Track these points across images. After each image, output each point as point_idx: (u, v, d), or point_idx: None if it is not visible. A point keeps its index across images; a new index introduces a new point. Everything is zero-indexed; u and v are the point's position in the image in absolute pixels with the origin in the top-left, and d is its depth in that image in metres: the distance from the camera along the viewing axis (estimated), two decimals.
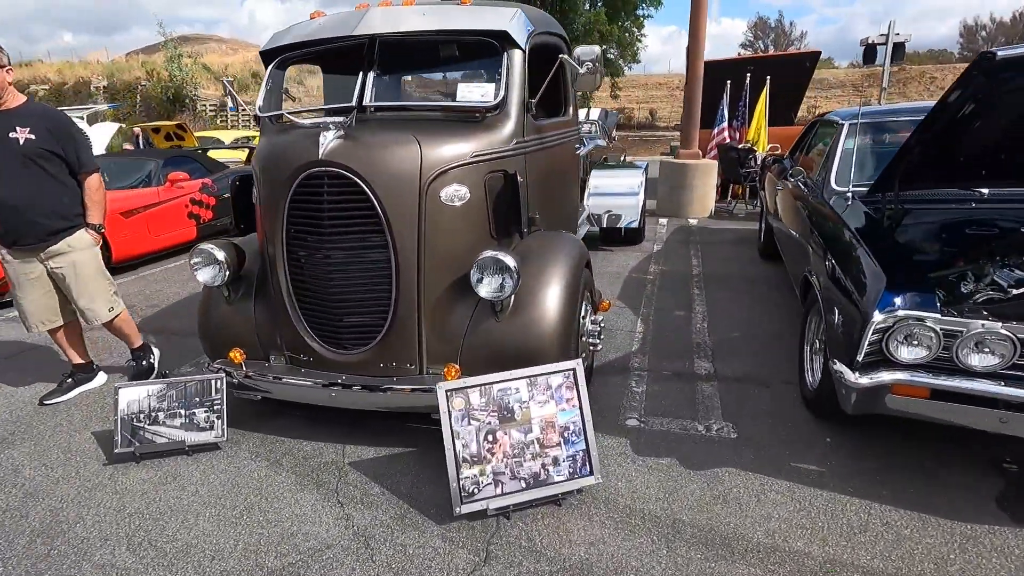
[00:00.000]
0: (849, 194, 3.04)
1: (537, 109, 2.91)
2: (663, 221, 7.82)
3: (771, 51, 42.85)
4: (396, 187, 2.36)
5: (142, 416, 2.60)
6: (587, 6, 25.22)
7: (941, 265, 2.33)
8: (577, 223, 3.75)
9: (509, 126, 2.66)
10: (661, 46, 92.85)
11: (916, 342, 1.97)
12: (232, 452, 2.65)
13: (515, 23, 2.68)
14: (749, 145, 8.10)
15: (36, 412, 3.00)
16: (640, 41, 27.55)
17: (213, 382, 2.70)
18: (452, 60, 2.89)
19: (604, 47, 26.46)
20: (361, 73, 2.72)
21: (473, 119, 2.68)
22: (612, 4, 24.91)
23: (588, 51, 2.67)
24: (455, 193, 2.44)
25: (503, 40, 2.68)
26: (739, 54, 37.96)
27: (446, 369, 2.41)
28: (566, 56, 2.64)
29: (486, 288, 2.38)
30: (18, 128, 2.58)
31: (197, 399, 2.67)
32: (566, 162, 3.35)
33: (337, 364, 2.59)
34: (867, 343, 2.00)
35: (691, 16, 7.63)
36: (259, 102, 2.87)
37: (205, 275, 2.70)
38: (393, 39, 2.75)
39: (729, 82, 8.79)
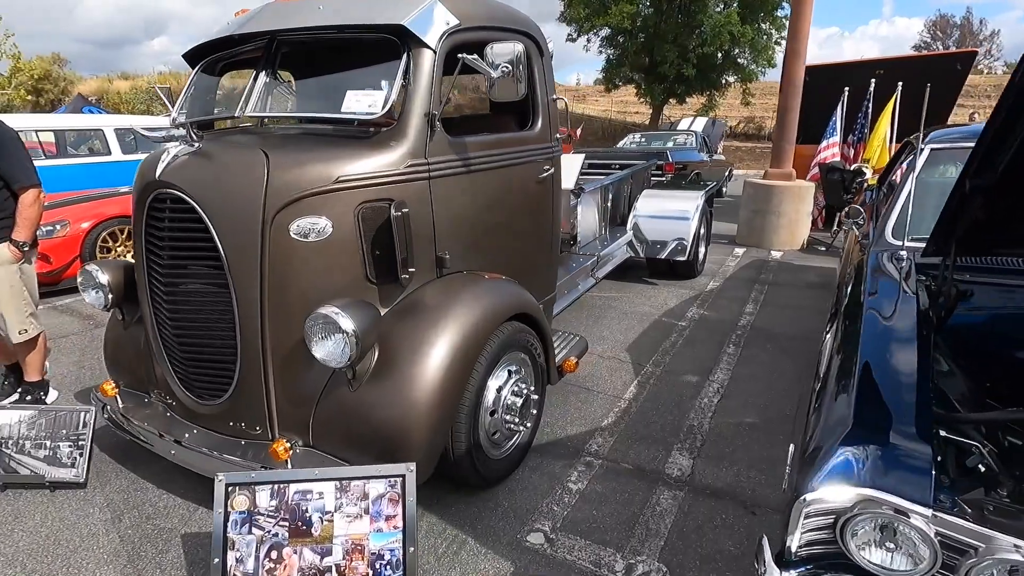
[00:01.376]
0: (903, 253, 2.07)
1: (470, 122, 2.34)
2: (738, 251, 6.69)
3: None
4: (234, 216, 1.94)
5: (10, 443, 2.45)
6: (720, 7, 23.27)
7: (975, 405, 1.40)
8: (548, 263, 3.08)
9: (403, 144, 2.12)
10: (818, 50, 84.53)
11: (892, 544, 1.13)
12: (89, 496, 2.40)
13: (419, 16, 2.13)
14: (858, 166, 6.65)
15: None
16: (779, 44, 24.97)
17: (82, 415, 2.48)
18: (354, 62, 2.42)
19: (736, 51, 24.43)
20: (252, 78, 2.34)
21: (363, 134, 2.19)
22: (748, 3, 22.78)
23: (504, 50, 2.04)
24: (311, 227, 1.96)
25: (403, 37, 2.15)
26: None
27: (274, 444, 1.94)
28: (472, 57, 2.05)
29: (320, 352, 1.87)
30: None
31: (64, 431, 2.46)
32: (520, 188, 2.72)
33: (193, 414, 2.24)
34: (799, 529, 1.19)
35: (792, 10, 6.41)
36: (173, 111, 2.61)
37: (89, 297, 2.49)
38: (289, 37, 2.34)
39: (847, 89, 7.34)
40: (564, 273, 3.98)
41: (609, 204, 5.22)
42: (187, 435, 2.21)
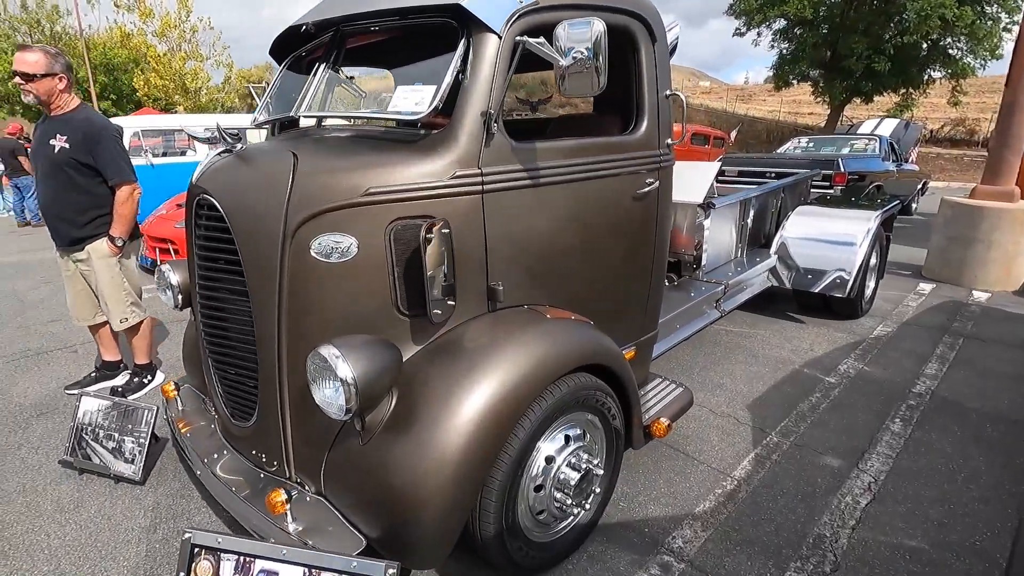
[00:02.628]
0: None
1: (560, 125, 1.90)
2: (924, 288, 5.32)
3: None
4: (255, 228, 1.72)
5: (89, 429, 2.54)
6: None
7: None
8: (646, 296, 2.49)
9: (451, 150, 1.74)
10: None
11: None
12: (142, 496, 2.40)
13: None
14: None
15: (61, 396, 3.26)
16: (1009, 31, 20.47)
17: (145, 413, 2.50)
18: (417, 54, 2.07)
19: (947, 39, 20.58)
20: (312, 73, 2.13)
21: (411, 137, 1.85)
22: None
23: (579, 33, 1.55)
24: (333, 245, 1.67)
25: (460, 19, 1.76)
26: None
27: (272, 494, 1.69)
28: (536, 40, 1.58)
29: (317, 397, 1.57)
30: (58, 135, 2.73)
31: (130, 426, 2.50)
32: (609, 206, 2.20)
33: (228, 433, 2.11)
34: None
35: None
36: (256, 113, 2.53)
37: (163, 297, 2.50)
38: (350, 28, 2.08)
39: None
40: (680, 302, 3.35)
41: (749, 221, 4.38)
42: (217, 456, 2.07)
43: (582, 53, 1.58)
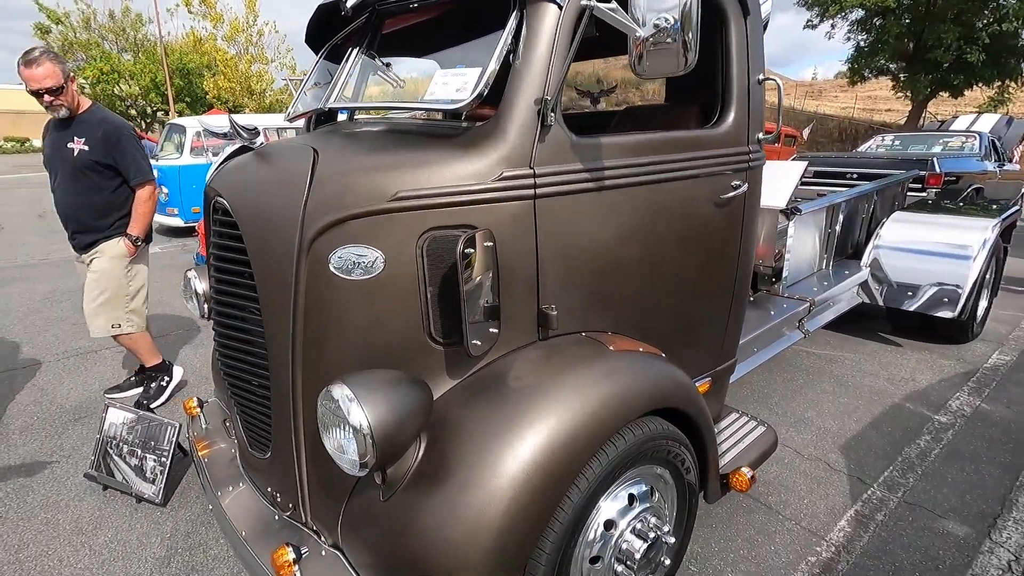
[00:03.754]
0: None
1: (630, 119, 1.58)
2: None
3: None
4: (269, 236, 1.47)
5: (114, 443, 2.40)
6: None
7: None
8: (726, 319, 2.10)
9: (497, 146, 1.44)
10: None
11: None
12: (161, 520, 2.23)
13: None
14: None
15: (100, 400, 3.15)
16: None
17: (169, 430, 2.33)
18: (463, 35, 1.77)
19: None
20: (343, 61, 1.88)
21: (451, 131, 1.56)
22: None
23: None
24: (356, 259, 1.39)
25: None
26: None
27: (278, 551, 1.44)
28: (606, 6, 1.24)
29: (328, 445, 1.31)
30: (75, 139, 2.62)
31: (152, 443, 2.34)
32: (687, 213, 1.83)
33: (246, 461, 1.90)
34: None
35: None
36: (291, 106, 2.31)
37: (190, 306, 2.32)
38: (387, 7, 1.81)
39: None
40: (758, 321, 2.93)
41: (838, 229, 3.86)
42: (233, 488, 1.85)
43: (667, 21, 1.24)
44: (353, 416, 1.20)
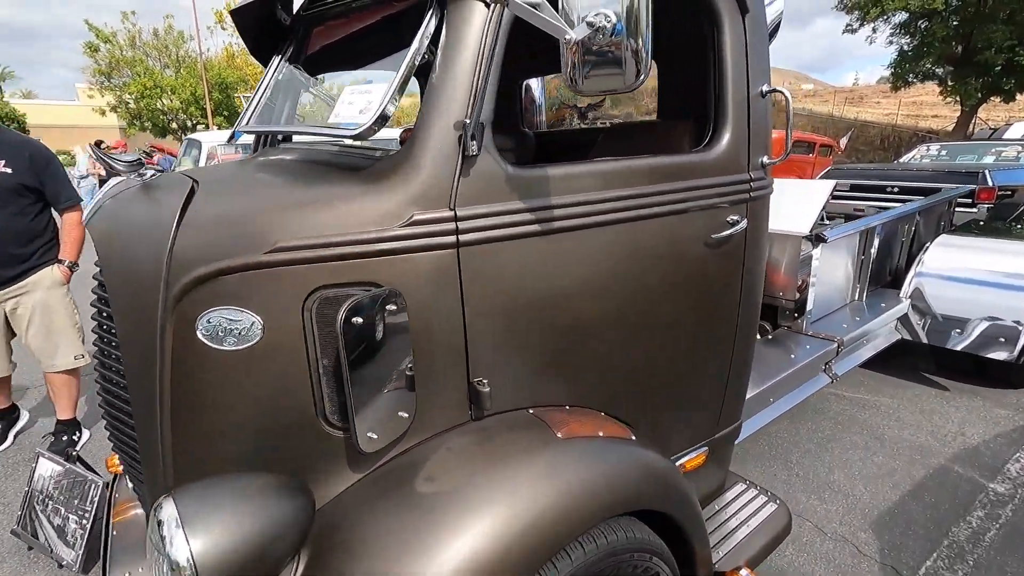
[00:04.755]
0: None
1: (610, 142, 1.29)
2: None
3: None
4: (131, 292, 1.20)
5: (41, 498, 2.18)
6: None
7: None
8: (725, 378, 1.73)
9: (407, 181, 1.13)
10: None
11: None
12: None
13: None
14: None
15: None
16: None
17: (91, 488, 2.09)
18: (386, 43, 1.47)
19: None
20: (264, 76, 1.62)
21: (364, 161, 1.26)
22: None
23: None
24: (227, 325, 1.11)
25: None
26: None
27: None
28: (525, 1, 0.93)
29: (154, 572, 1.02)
30: None
31: (76, 501, 2.10)
32: (670, 257, 1.49)
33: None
34: None
35: None
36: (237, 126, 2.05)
37: None
38: (312, 12, 1.53)
39: None
40: (775, 364, 2.55)
41: (873, 254, 3.42)
42: (128, 571, 1.59)
43: (607, 20, 0.92)
44: (174, 547, 0.91)
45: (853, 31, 21.52)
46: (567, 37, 0.94)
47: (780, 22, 1.95)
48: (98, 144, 12.30)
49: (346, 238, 1.10)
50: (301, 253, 1.09)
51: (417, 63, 1.15)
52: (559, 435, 1.23)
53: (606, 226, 1.33)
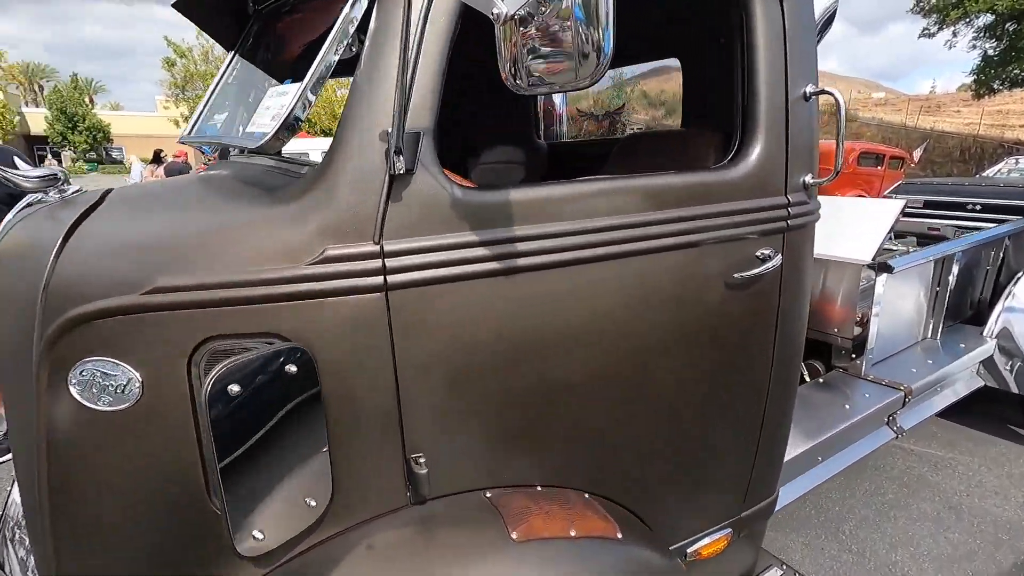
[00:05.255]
0: None
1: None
2: None
3: None
4: (11, 331, 1.02)
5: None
6: None
7: None
8: (754, 448, 1.39)
9: (320, 207, 0.90)
10: None
11: None
12: None
13: None
14: None
15: None
16: None
17: None
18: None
19: None
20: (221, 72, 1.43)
21: (290, 179, 1.03)
22: None
23: None
24: (103, 380, 0.90)
25: None
26: None
27: None
28: None
29: None
30: None
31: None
32: (681, 303, 1.18)
33: None
34: None
35: None
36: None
37: None
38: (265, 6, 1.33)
39: None
40: (826, 415, 2.19)
41: (951, 285, 2.93)
42: None
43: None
44: None
45: (930, 35, 20.13)
46: (495, 11, 0.68)
47: (835, 12, 1.61)
48: (157, 154, 12.90)
49: (241, 278, 0.87)
50: (187, 295, 0.87)
51: (336, 56, 0.91)
52: (514, 535, 0.95)
53: (589, 263, 1.05)
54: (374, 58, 0.88)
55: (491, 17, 0.68)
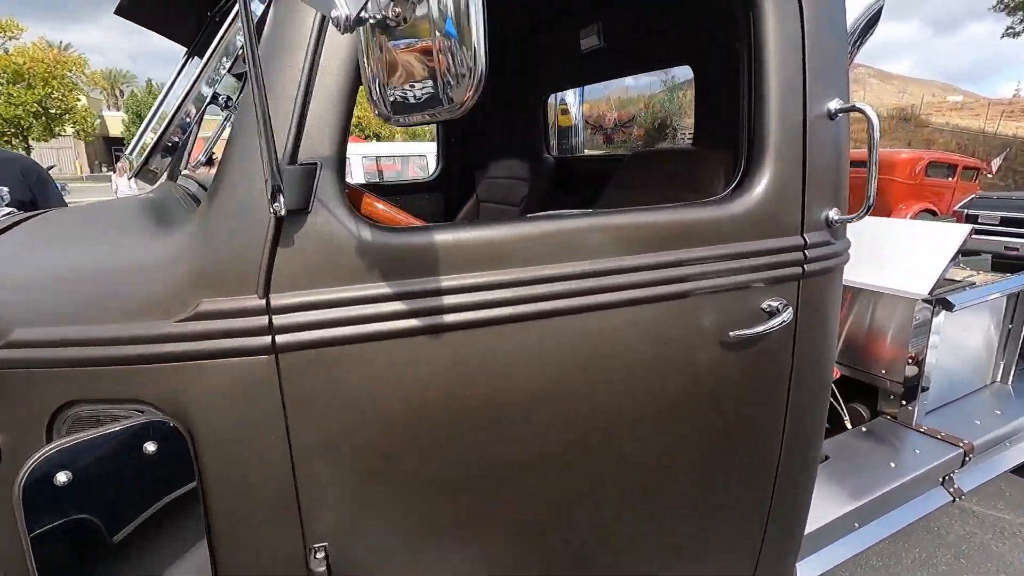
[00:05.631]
0: None
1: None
2: None
3: None
4: None
5: None
6: None
7: None
8: (758, 532, 1.16)
9: (193, 252, 0.75)
10: None
11: None
12: None
13: None
14: None
15: None
16: None
17: None
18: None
19: None
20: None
21: (181, 212, 0.89)
22: None
23: None
24: None
25: None
26: None
27: None
28: None
29: None
30: None
31: None
32: (665, 367, 0.97)
33: None
34: None
35: None
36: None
37: None
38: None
39: None
40: (870, 472, 1.93)
41: None
42: None
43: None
44: None
45: (1015, 34, 18.66)
46: (334, 14, 0.50)
47: (879, 12, 1.36)
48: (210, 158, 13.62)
49: (105, 334, 0.73)
50: (45, 352, 0.74)
51: (218, 74, 0.76)
52: None
53: (540, 319, 0.86)
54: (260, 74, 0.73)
55: (332, 22, 0.51)
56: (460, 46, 0.48)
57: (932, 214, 8.33)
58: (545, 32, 2.07)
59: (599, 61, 1.67)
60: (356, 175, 8.74)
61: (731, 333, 0.97)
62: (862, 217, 1.02)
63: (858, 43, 1.38)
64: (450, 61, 0.49)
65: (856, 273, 2.22)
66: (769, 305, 1.00)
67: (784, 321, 0.99)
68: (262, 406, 0.77)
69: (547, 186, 2.09)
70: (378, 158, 8.81)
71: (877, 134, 0.96)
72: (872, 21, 1.39)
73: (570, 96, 2.40)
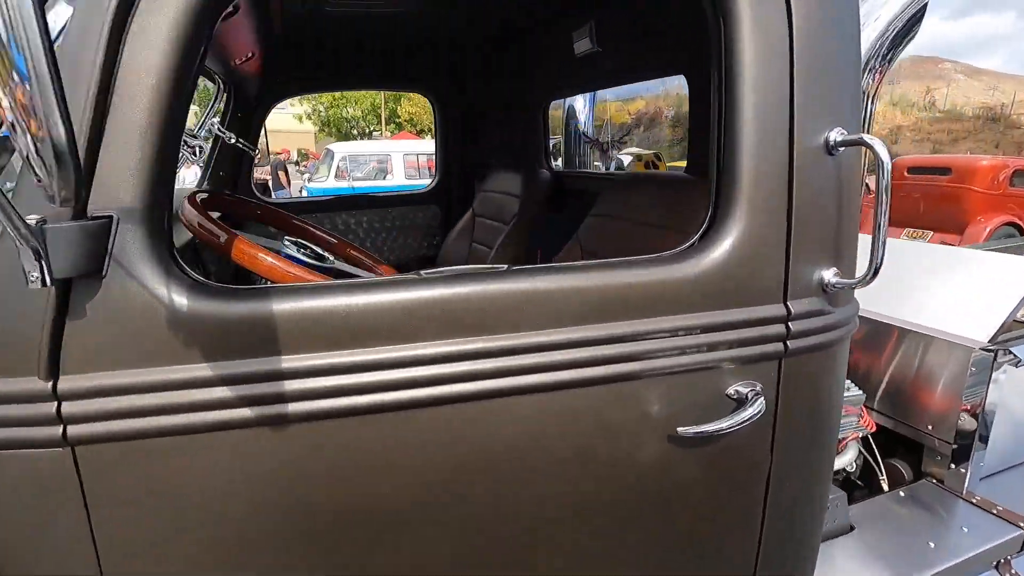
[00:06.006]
0: None
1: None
2: None
3: None
4: None
5: None
6: None
7: None
8: None
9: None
10: None
11: None
12: None
13: None
14: None
15: None
16: None
17: None
18: None
19: None
20: None
21: None
22: None
23: None
24: None
25: None
26: None
27: None
28: None
29: None
30: None
31: None
32: (598, 465, 0.76)
33: None
34: None
35: None
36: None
37: None
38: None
39: None
40: (904, 549, 1.65)
41: None
42: None
43: None
44: None
45: None
46: None
47: (925, 5, 1.09)
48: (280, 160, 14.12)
49: None
50: None
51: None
52: None
53: (418, 408, 0.68)
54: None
55: None
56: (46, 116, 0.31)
57: (1017, 228, 7.52)
58: (542, 34, 1.89)
59: (595, 68, 1.47)
60: (397, 172, 8.78)
61: (677, 429, 0.75)
62: (868, 282, 0.78)
63: (893, 49, 1.11)
64: (34, 137, 0.32)
65: (901, 308, 1.92)
66: (737, 392, 0.77)
67: (754, 415, 0.76)
68: (57, 505, 0.63)
69: (541, 204, 1.89)
70: (418, 155, 8.85)
71: (888, 178, 0.72)
72: (916, 18, 1.12)
73: (580, 104, 2.20)
